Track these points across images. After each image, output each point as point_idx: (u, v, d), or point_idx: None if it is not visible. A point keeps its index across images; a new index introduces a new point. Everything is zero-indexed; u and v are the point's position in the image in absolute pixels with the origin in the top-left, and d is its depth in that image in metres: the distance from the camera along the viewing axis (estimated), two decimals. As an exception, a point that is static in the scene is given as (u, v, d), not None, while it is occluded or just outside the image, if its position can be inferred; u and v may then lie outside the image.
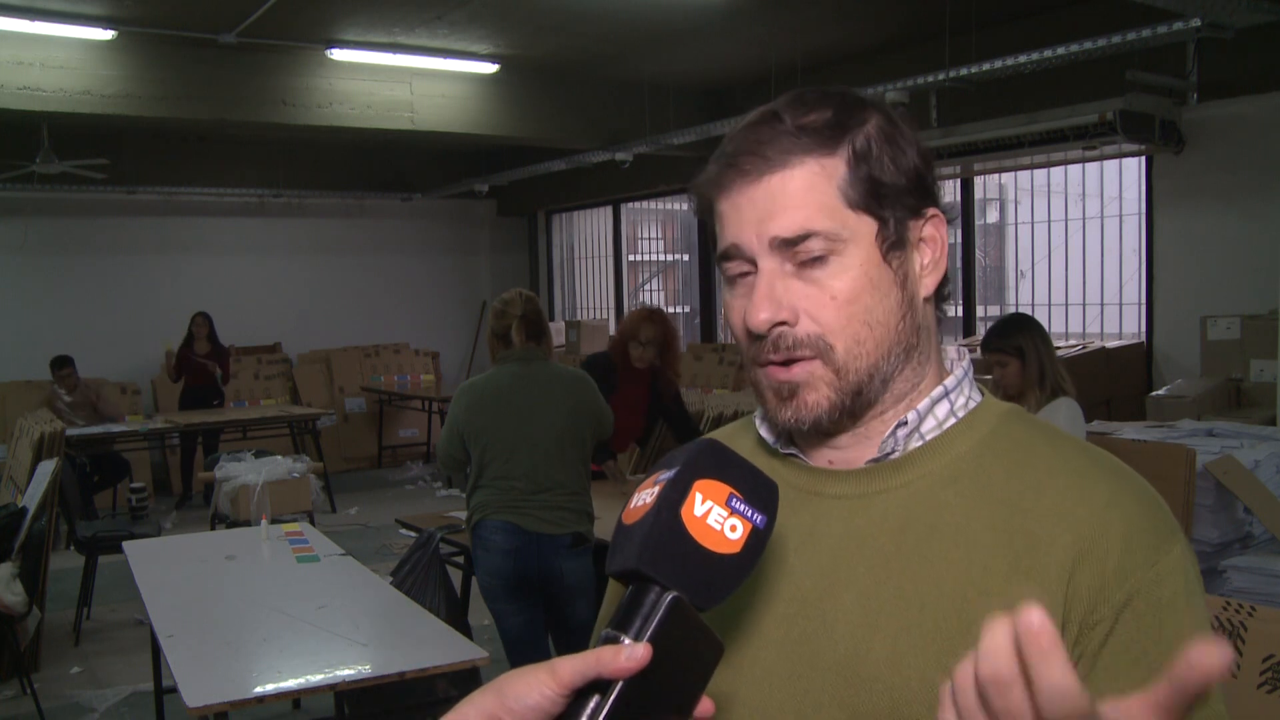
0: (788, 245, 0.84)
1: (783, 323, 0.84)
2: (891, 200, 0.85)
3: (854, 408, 0.86)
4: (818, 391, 0.85)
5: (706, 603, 0.67)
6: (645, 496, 0.70)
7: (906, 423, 0.87)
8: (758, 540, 0.70)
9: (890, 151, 0.85)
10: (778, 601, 0.87)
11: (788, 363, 0.85)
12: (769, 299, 0.84)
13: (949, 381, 0.90)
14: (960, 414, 0.89)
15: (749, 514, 0.70)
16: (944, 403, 0.89)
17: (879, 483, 0.88)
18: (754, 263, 0.85)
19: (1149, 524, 0.80)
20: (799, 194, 0.83)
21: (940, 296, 0.92)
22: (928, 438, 0.88)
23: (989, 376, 3.48)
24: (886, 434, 0.88)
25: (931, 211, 0.88)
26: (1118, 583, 0.78)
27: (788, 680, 0.85)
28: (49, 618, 5.10)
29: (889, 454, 0.88)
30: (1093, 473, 0.84)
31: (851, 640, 0.83)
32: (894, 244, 0.86)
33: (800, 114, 0.85)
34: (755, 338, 0.86)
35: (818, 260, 0.83)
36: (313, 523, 5.43)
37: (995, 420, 0.89)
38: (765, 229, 0.84)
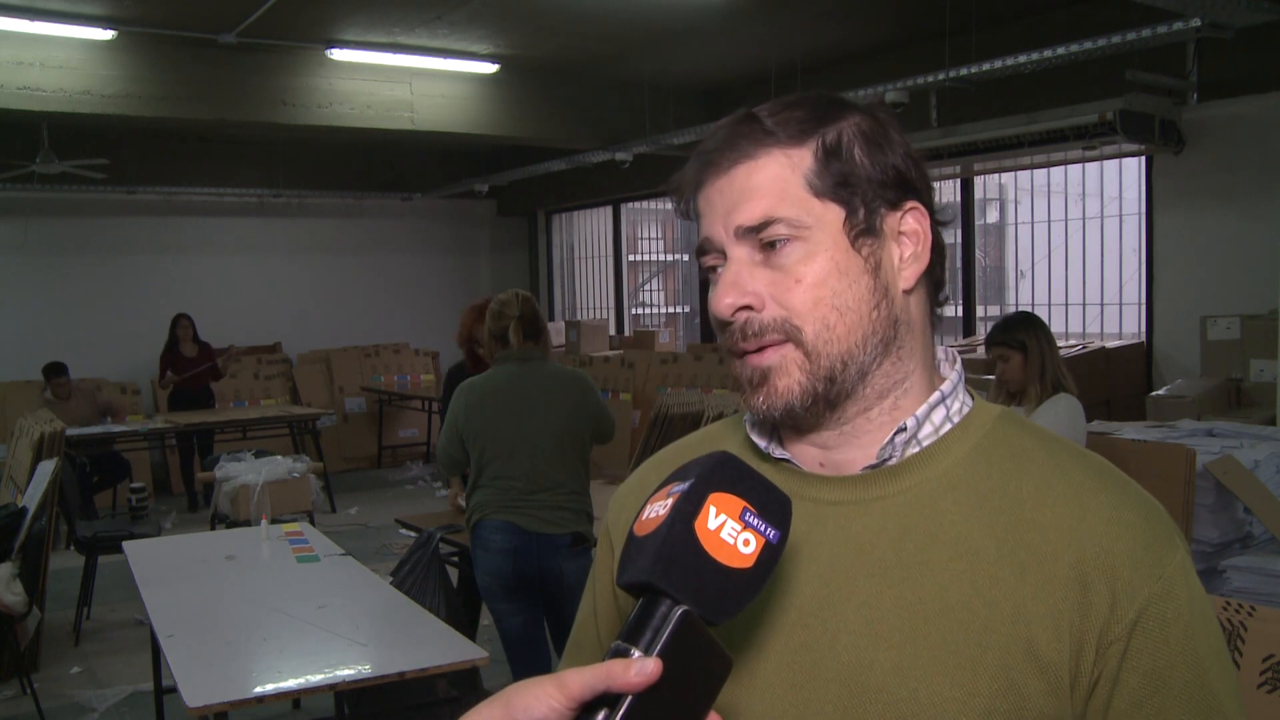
0: (752, 233, 0.84)
1: (748, 308, 0.84)
2: (862, 190, 0.84)
3: (828, 395, 0.85)
4: (789, 376, 0.84)
5: (717, 617, 0.67)
6: (658, 508, 0.70)
7: (905, 429, 0.86)
8: (770, 555, 0.70)
9: (866, 147, 0.85)
10: (775, 611, 0.86)
11: (760, 350, 0.85)
12: (734, 285, 0.84)
13: (945, 387, 0.89)
14: (955, 419, 0.89)
15: (762, 528, 0.70)
16: (940, 408, 0.88)
17: (875, 489, 0.86)
18: (725, 254, 0.86)
19: (1151, 534, 0.81)
20: (763, 184, 0.84)
21: (935, 299, 0.91)
22: (924, 443, 0.87)
23: (989, 376, 3.48)
24: (884, 441, 0.87)
25: (910, 204, 0.87)
26: (1128, 600, 0.78)
27: (789, 691, 0.84)
28: (49, 618, 5.10)
29: (886, 460, 0.87)
30: (1090, 482, 0.83)
31: (854, 651, 0.82)
32: (863, 231, 0.85)
33: (776, 112, 0.86)
34: (726, 326, 0.86)
35: (783, 246, 0.83)
36: (313, 523, 5.42)
37: (989, 424, 0.89)
38: (731, 220, 0.85)
